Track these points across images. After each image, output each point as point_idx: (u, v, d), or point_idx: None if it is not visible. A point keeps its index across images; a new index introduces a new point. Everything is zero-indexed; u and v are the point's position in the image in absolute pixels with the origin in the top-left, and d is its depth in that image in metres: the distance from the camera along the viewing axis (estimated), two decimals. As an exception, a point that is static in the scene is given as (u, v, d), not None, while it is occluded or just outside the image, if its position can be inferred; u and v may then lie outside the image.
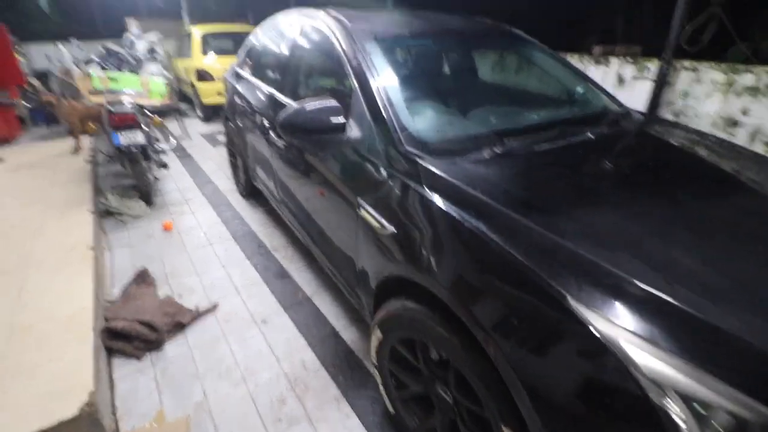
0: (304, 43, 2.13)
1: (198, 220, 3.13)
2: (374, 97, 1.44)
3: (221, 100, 6.40)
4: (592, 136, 1.46)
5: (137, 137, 2.90)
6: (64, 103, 3.57)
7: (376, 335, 1.37)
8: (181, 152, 4.92)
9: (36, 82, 6.69)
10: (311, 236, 2.08)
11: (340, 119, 1.42)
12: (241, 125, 2.94)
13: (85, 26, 10.73)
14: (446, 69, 2.11)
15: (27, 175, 3.59)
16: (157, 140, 3.60)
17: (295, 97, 2.09)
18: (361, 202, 1.39)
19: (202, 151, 4.99)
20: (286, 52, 2.26)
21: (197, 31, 6.32)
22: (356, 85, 1.52)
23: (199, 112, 6.60)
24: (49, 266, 2.15)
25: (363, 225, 1.40)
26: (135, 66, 5.65)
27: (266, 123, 2.33)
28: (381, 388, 1.48)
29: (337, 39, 1.72)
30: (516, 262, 0.87)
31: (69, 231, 2.52)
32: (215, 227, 3.01)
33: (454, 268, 1.01)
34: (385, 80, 1.50)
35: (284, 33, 2.37)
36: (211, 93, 6.09)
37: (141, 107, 3.19)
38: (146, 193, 3.20)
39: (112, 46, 6.48)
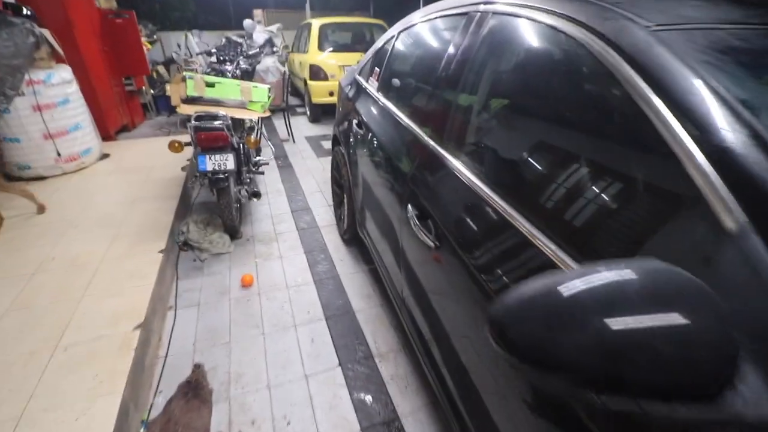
0: (508, 60, 1.13)
1: (285, 271, 2.39)
2: None
3: (332, 100, 5.83)
4: None
5: (227, 162, 2.24)
6: None
7: None
8: (283, 159, 4.36)
9: (162, 70, 6.89)
10: (465, 403, 1.12)
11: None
12: (355, 158, 2.10)
13: (218, 17, 11.26)
14: None
15: (119, 180, 3.25)
16: (257, 157, 2.97)
17: (482, 165, 1.09)
18: None
19: (304, 160, 4.38)
20: (457, 71, 1.27)
21: (315, 23, 5.78)
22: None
23: (307, 111, 6.12)
24: (73, 362, 1.53)
25: None
26: (252, 58, 5.30)
27: (400, 169, 1.43)
28: None
29: (632, 61, 0.70)
30: None
31: (123, 288, 1.93)
32: (304, 290, 2.23)
33: None
34: None
35: (455, 36, 1.39)
36: (322, 92, 5.52)
37: (236, 122, 2.54)
38: (232, 228, 2.57)
39: (234, 36, 6.30)
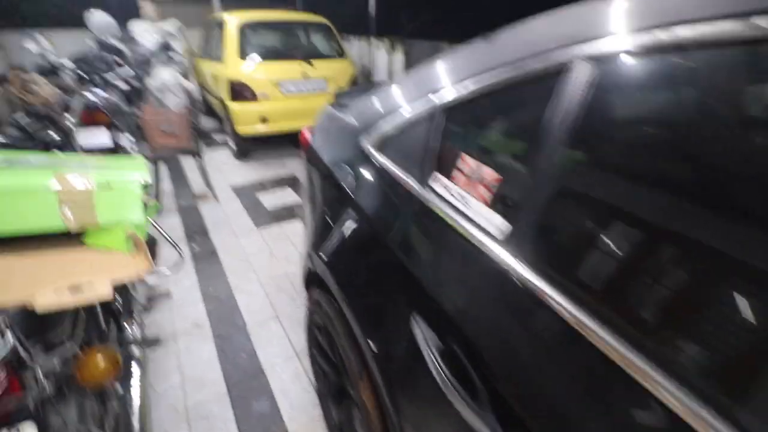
0: None
1: None
2: None
3: (265, 130, 4.13)
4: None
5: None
6: None
7: None
8: (201, 240, 2.72)
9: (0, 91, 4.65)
10: None
11: None
12: (405, 379, 0.68)
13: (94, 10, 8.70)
14: None
15: None
16: (143, 284, 1.35)
17: None
18: None
19: (237, 238, 2.77)
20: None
21: (232, 21, 4.09)
22: None
23: (231, 144, 4.41)
24: None
25: None
26: (139, 71, 3.49)
27: None
28: None
29: None
30: None
31: None
32: None
33: None
34: None
35: None
36: (250, 118, 3.89)
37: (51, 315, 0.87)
38: None
39: (111, 39, 4.36)
